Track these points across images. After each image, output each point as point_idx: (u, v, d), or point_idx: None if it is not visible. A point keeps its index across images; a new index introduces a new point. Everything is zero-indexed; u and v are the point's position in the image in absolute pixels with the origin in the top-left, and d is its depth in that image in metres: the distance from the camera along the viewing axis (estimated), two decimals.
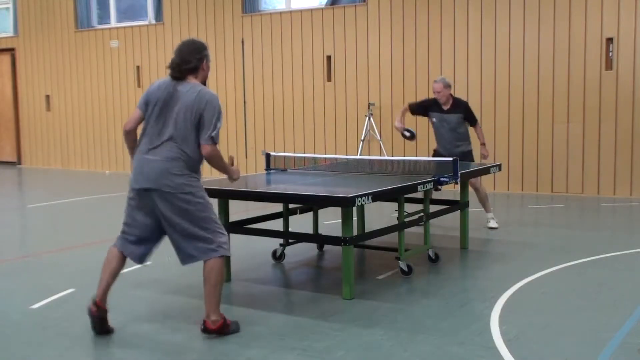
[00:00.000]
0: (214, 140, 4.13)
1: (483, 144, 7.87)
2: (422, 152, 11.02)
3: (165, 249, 4.50)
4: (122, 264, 4.40)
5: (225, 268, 5.58)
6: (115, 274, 4.36)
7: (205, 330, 4.24)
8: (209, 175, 5.37)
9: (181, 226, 4.15)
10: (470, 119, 7.73)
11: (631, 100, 9.78)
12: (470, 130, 7.83)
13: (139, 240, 4.33)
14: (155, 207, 4.17)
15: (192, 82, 4.26)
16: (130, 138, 4.31)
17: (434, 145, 8.16)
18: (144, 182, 4.14)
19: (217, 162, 4.25)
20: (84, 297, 5.16)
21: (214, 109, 4.13)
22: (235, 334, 4.29)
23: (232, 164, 4.49)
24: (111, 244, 4.42)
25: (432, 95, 7.94)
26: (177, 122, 4.13)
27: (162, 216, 4.19)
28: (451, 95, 7.72)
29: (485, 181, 10.41)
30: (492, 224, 7.74)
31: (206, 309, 4.25)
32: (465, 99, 8.34)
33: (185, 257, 4.27)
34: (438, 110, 7.69)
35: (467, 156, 7.67)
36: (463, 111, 7.68)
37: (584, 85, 10.06)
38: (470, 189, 7.04)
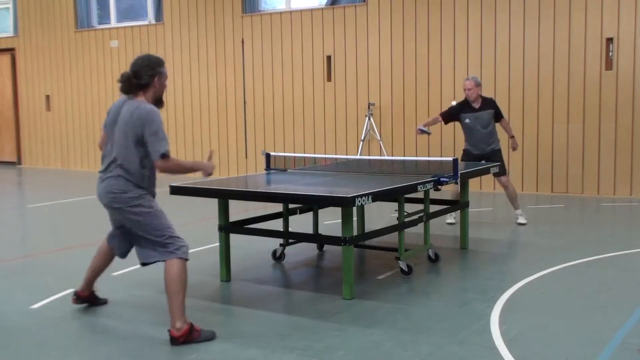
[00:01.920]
0: (164, 156, 4.14)
1: (512, 137, 8.13)
2: (422, 152, 11.03)
3: None
4: (109, 258, 4.79)
5: (225, 268, 5.62)
6: (99, 267, 4.79)
7: (171, 340, 4.14)
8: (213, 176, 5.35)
9: (137, 235, 4.34)
10: (499, 113, 7.93)
11: (631, 100, 9.78)
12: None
13: (121, 238, 4.59)
14: (117, 218, 4.47)
15: (137, 100, 4.24)
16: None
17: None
18: (100, 199, 4.38)
19: (178, 170, 4.35)
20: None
21: (152, 124, 4.12)
22: (209, 341, 4.18)
23: (210, 158, 4.54)
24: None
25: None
26: (118, 142, 4.24)
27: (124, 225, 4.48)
28: (480, 95, 7.87)
29: (486, 181, 10.43)
30: (521, 219, 7.92)
31: (171, 317, 4.19)
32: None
33: (144, 257, 4.35)
34: (470, 110, 7.81)
35: (497, 154, 7.84)
36: (493, 107, 7.88)
37: (584, 85, 10.06)
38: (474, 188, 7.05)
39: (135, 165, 4.22)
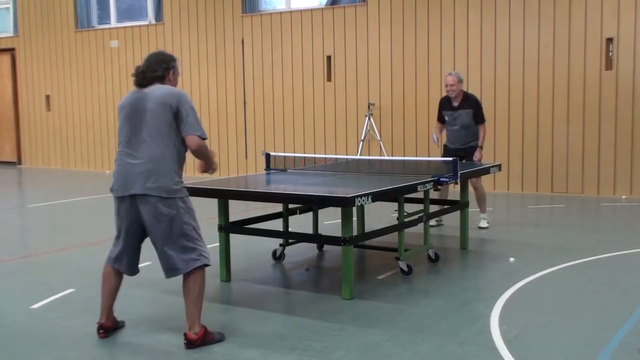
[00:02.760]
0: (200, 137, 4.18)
1: (480, 147, 7.63)
2: (422, 152, 11.03)
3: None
4: (118, 279, 4.42)
5: (225, 268, 5.62)
6: (112, 291, 4.38)
7: (189, 343, 4.09)
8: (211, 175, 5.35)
9: (160, 238, 4.18)
10: (477, 115, 7.61)
11: (631, 100, 9.78)
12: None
13: (130, 252, 4.43)
14: (137, 217, 4.27)
15: (161, 85, 4.20)
16: None
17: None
18: (125, 188, 4.20)
19: (205, 153, 4.28)
20: (84, 297, 5.17)
21: (188, 101, 4.14)
22: (221, 342, 4.18)
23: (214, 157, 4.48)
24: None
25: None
26: (151, 127, 4.11)
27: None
28: (462, 90, 7.66)
29: (485, 181, 10.42)
30: (483, 223, 7.72)
31: (188, 321, 4.14)
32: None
33: (170, 268, 4.23)
34: (449, 107, 7.67)
35: (475, 151, 7.61)
36: (473, 106, 7.61)
37: (584, 85, 10.06)
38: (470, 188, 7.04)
39: (174, 150, 4.10)
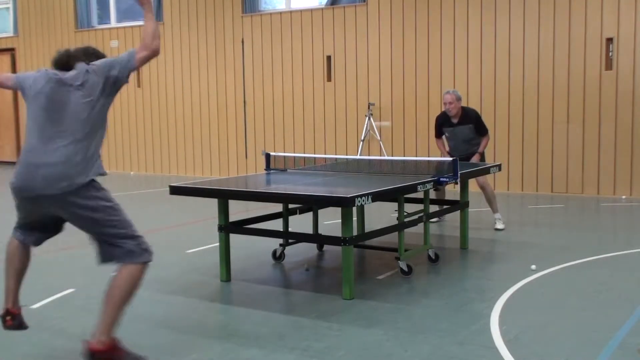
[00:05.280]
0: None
1: (479, 153, 7.65)
2: (422, 152, 11.02)
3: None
4: (25, 256, 3.94)
5: (225, 268, 5.62)
6: (19, 272, 3.87)
7: (91, 355, 3.47)
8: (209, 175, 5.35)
9: (89, 229, 3.67)
10: (480, 129, 7.67)
11: (631, 100, 9.78)
12: None
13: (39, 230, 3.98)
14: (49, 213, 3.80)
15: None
16: None
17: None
18: (29, 188, 3.68)
19: (155, 36, 3.64)
20: (84, 297, 5.17)
21: (115, 59, 3.63)
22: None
23: None
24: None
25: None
26: (68, 110, 3.57)
27: None
28: (462, 107, 7.66)
29: None
30: (499, 224, 7.67)
31: (98, 327, 3.50)
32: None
33: (105, 255, 3.67)
34: (448, 124, 7.69)
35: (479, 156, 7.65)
36: (473, 121, 7.64)
37: (584, 85, 10.06)
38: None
39: (95, 136, 3.56)
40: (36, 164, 3.55)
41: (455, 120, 7.65)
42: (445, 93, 7.68)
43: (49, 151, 3.52)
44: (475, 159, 7.63)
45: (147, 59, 3.63)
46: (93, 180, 3.54)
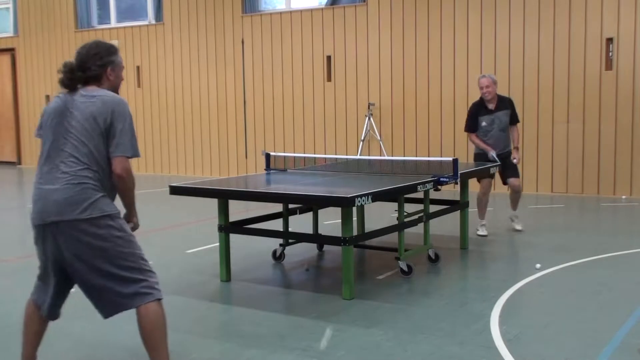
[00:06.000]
0: (130, 157, 3.33)
1: (516, 148, 7.40)
2: (422, 152, 11.02)
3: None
4: (42, 323, 3.79)
5: (225, 268, 5.62)
6: (35, 337, 3.74)
7: None
8: (209, 174, 5.36)
9: (92, 273, 3.41)
10: (514, 115, 7.38)
11: (631, 100, 9.78)
12: None
13: (55, 288, 3.69)
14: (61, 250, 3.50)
15: (95, 89, 3.40)
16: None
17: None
18: (44, 216, 3.37)
19: (130, 183, 3.37)
20: (84, 297, 5.16)
21: (125, 116, 3.30)
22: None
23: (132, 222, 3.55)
24: None
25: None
26: (78, 140, 3.37)
27: None
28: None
29: None
30: (518, 225, 7.58)
31: None
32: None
33: (111, 307, 3.48)
34: (485, 112, 7.25)
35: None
36: (509, 106, 7.36)
37: (584, 85, 10.06)
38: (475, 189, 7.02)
39: (103, 166, 3.28)
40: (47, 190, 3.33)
41: (492, 106, 7.23)
42: (480, 77, 7.33)
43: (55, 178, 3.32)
44: (516, 155, 7.34)
45: (120, 173, 3.29)
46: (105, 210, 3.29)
